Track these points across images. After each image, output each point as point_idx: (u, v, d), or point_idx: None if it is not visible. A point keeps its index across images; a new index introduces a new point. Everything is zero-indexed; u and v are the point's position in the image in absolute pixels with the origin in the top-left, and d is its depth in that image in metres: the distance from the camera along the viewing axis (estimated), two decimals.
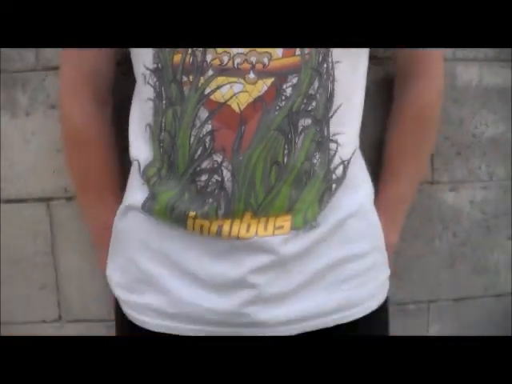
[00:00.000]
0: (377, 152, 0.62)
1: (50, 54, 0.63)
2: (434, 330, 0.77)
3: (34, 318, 0.72)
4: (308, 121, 0.45)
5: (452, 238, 0.73)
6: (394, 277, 0.60)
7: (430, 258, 0.73)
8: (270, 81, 0.43)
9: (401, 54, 0.56)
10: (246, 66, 0.43)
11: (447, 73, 0.60)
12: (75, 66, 0.53)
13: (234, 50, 0.43)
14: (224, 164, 0.44)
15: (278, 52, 0.43)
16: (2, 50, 0.64)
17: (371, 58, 0.53)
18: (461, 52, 0.67)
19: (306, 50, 0.44)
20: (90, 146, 0.55)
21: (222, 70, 0.43)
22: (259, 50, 0.43)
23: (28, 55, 0.64)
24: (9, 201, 0.67)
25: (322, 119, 0.45)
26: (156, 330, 0.49)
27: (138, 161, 0.49)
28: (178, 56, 0.44)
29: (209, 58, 0.43)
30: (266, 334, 0.47)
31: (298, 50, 0.44)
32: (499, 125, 0.71)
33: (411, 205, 0.62)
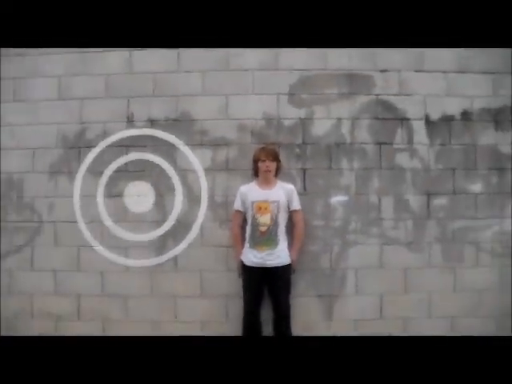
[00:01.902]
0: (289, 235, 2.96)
1: None
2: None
3: None
4: (274, 224, 2.85)
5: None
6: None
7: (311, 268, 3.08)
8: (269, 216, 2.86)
9: (293, 219, 2.95)
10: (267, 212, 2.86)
11: None
12: (235, 221, 2.97)
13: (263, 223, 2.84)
14: (260, 238, 2.85)
15: (273, 208, 2.84)
16: None
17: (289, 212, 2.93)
18: None
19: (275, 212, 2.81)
20: (237, 236, 2.97)
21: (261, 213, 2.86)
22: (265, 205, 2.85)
23: None
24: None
25: (279, 224, 2.86)
26: (249, 265, 2.83)
27: (246, 236, 2.91)
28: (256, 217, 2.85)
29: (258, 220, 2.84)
30: (269, 264, 2.78)
31: (273, 207, 2.81)
32: None
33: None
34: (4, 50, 3.19)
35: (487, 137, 3.11)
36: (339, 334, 3.01)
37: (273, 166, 2.88)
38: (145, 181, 3.16)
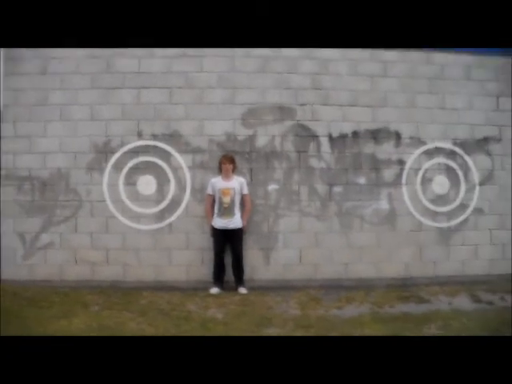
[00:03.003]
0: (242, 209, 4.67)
1: None
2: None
3: None
4: (232, 202, 4.50)
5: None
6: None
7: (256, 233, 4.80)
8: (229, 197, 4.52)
9: (243, 200, 4.65)
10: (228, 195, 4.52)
11: None
12: (208, 201, 4.63)
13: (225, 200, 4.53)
14: (223, 211, 4.53)
15: (232, 193, 4.51)
16: None
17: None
18: None
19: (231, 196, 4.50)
20: (209, 210, 4.62)
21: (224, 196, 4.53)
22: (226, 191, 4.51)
23: None
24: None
25: (235, 202, 4.52)
26: (217, 227, 4.51)
27: (215, 210, 4.57)
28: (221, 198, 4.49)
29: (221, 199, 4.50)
30: (229, 227, 4.47)
31: (232, 191, 4.48)
32: None
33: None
34: (52, 83, 4.81)
35: (368, 148, 4.80)
36: (273, 274, 4.75)
37: (231, 167, 4.56)
38: (150, 174, 4.84)
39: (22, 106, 4.87)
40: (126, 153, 4.82)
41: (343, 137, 4.81)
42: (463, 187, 4.93)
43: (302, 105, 4.79)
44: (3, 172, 4.88)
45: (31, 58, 4.88)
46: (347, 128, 4.80)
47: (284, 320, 3.62)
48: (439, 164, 4.91)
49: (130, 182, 4.83)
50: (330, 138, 4.81)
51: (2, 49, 4.82)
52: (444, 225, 4.89)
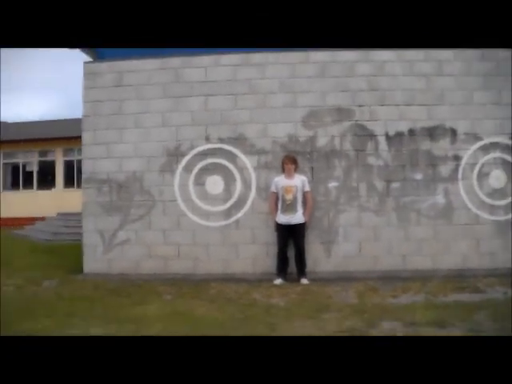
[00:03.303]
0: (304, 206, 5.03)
1: None
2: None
3: None
4: (295, 199, 4.86)
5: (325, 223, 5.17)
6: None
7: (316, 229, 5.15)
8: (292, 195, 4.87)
9: (305, 197, 5.02)
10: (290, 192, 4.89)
11: None
12: (272, 198, 5.03)
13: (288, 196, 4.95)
14: (286, 207, 4.91)
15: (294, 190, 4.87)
16: None
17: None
18: None
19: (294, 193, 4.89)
20: (273, 206, 5.02)
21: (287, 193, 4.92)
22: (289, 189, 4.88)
23: None
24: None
25: (298, 199, 4.86)
26: (280, 223, 4.89)
27: (278, 206, 4.96)
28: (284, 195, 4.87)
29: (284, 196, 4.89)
30: (292, 223, 4.84)
31: (294, 189, 4.87)
32: None
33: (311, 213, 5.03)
34: (126, 94, 5.33)
35: (425, 145, 5.00)
36: (334, 266, 5.05)
37: (293, 166, 4.91)
38: (217, 175, 5.27)
39: (100, 115, 5.44)
40: (195, 155, 5.27)
41: (400, 135, 5.05)
42: None
43: (359, 106, 5.08)
44: (85, 176, 5.47)
45: (107, 72, 5.44)
46: (404, 126, 5.04)
47: (341, 306, 3.85)
48: (495, 158, 5.05)
49: (200, 182, 5.27)
50: (387, 136, 5.06)
51: (83, 65, 5.47)
52: (501, 218, 5.02)
